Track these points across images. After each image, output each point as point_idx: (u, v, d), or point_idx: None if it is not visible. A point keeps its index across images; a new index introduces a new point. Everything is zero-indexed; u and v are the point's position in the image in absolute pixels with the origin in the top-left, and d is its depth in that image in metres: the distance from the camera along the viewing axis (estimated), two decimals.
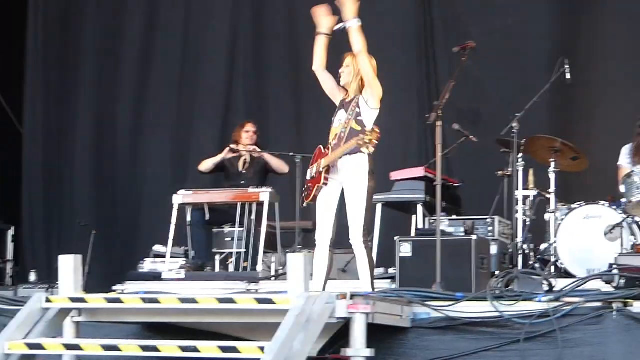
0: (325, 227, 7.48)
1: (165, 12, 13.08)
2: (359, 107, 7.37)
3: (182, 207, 9.73)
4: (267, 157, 10.25)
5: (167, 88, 12.94)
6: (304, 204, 7.66)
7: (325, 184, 7.42)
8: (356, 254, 7.40)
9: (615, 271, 6.92)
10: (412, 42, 11.79)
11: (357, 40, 7.29)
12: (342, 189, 7.44)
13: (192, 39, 12.95)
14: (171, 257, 9.83)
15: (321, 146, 7.61)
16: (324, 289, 7.30)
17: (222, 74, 12.77)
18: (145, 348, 5.95)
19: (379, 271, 9.05)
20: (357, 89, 7.44)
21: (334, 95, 7.62)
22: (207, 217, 9.83)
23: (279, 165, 10.25)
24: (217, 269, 10.02)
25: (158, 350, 5.90)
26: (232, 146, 10.31)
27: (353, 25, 7.30)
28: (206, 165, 10.33)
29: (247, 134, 10.34)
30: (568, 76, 9.50)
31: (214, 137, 12.30)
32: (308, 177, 7.67)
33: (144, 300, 6.37)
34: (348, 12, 7.33)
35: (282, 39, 12.61)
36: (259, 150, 10.27)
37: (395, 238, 8.41)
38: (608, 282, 6.91)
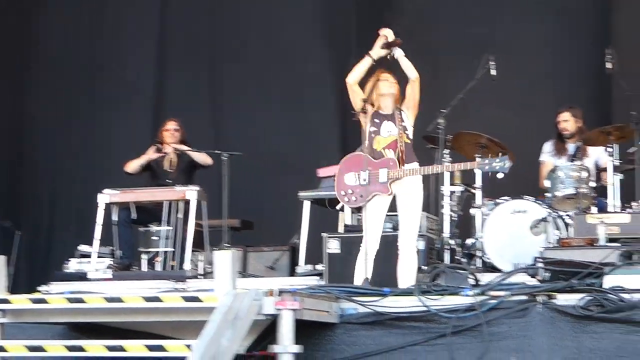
0: (376, 235, 7.76)
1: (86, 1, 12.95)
2: (403, 122, 7.78)
3: (108, 206, 9.64)
4: (191, 153, 10.18)
5: (87, 82, 12.76)
6: (341, 208, 7.81)
7: (390, 194, 7.72)
8: (407, 258, 7.67)
9: (539, 265, 7.00)
10: None
11: (410, 66, 7.77)
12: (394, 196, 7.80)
13: (113, 31, 12.80)
14: (97, 256, 9.73)
15: (360, 152, 7.82)
16: None
17: (146, 67, 12.65)
18: (71, 348, 5.90)
19: (307, 268, 9.06)
20: (395, 103, 7.84)
21: (361, 107, 7.89)
22: (134, 216, 9.74)
23: (202, 158, 10.21)
24: (145, 268, 9.94)
25: (84, 350, 5.86)
26: (157, 146, 10.22)
27: (401, 53, 7.77)
28: (132, 166, 10.23)
29: (168, 132, 10.29)
30: (493, 72, 9.57)
31: (139, 134, 12.16)
32: (353, 183, 7.76)
33: (70, 300, 6.32)
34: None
35: (206, 34, 12.60)
36: (185, 148, 10.19)
37: (323, 234, 8.41)
38: (533, 276, 6.99)
